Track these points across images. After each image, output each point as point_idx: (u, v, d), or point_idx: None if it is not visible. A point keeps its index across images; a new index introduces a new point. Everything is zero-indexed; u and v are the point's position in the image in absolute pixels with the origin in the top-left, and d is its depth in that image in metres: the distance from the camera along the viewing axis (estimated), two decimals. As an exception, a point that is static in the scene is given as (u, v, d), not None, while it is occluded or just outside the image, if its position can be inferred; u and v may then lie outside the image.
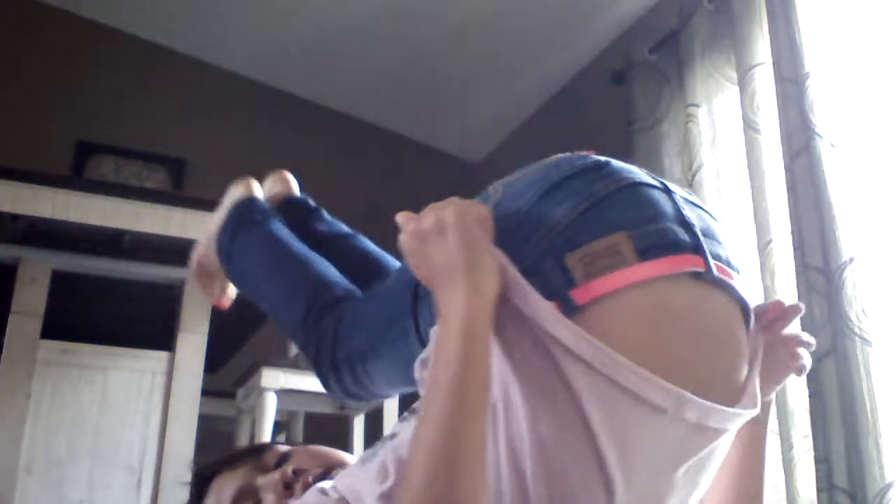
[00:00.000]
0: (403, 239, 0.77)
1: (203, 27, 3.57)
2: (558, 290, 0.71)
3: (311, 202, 1.38)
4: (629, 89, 2.63)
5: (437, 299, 0.73)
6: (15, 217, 1.89)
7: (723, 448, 0.79)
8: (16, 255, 1.98)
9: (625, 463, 0.70)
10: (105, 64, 3.56)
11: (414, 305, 0.85)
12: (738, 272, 0.80)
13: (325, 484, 0.89)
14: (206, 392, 2.15)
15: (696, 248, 0.75)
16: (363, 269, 1.16)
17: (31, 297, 1.97)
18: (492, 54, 3.36)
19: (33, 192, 1.88)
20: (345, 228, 1.32)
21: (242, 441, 2.62)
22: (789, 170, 1.92)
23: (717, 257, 0.77)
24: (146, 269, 2.10)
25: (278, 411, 2.36)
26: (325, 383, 1.03)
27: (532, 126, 3.67)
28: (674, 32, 2.54)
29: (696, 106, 2.36)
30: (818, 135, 1.86)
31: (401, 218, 0.78)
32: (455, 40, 3.32)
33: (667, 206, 0.77)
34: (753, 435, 0.91)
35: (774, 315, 0.90)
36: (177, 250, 2.06)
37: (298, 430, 2.79)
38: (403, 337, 0.87)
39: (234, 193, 1.31)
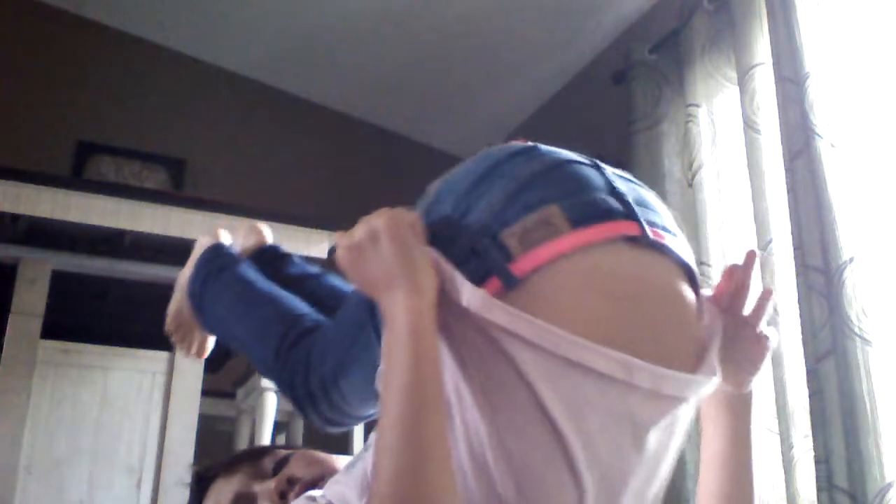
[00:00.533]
0: (339, 255, 0.80)
1: (203, 27, 3.57)
2: (497, 265, 0.72)
3: (282, 249, 1.41)
4: (629, 89, 2.63)
5: (381, 306, 0.75)
6: (15, 217, 1.89)
7: (683, 421, 0.79)
8: (16, 255, 1.98)
9: (583, 439, 0.71)
10: (105, 64, 3.56)
11: (372, 313, 0.86)
12: (676, 235, 0.81)
13: (315, 492, 0.89)
14: (206, 392, 2.15)
15: (629, 215, 0.76)
16: (333, 305, 1.18)
17: (31, 297, 1.97)
18: (492, 54, 3.36)
19: (33, 192, 1.88)
20: (314, 269, 1.34)
21: (242, 441, 2.62)
22: (789, 170, 1.92)
23: (651, 224, 0.78)
24: (146, 269, 2.10)
25: (278, 411, 2.36)
26: (304, 415, 1.03)
27: (532, 126, 3.67)
28: (674, 32, 2.54)
29: (696, 106, 2.36)
30: (818, 135, 1.86)
31: (336, 237, 0.81)
32: (455, 40, 3.32)
33: (597, 179, 0.79)
34: (738, 430, 0.91)
35: (729, 297, 0.90)
36: (177, 250, 2.06)
37: (298, 430, 2.79)
38: (367, 346, 0.88)
39: (202, 243, 1.32)
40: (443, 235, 0.77)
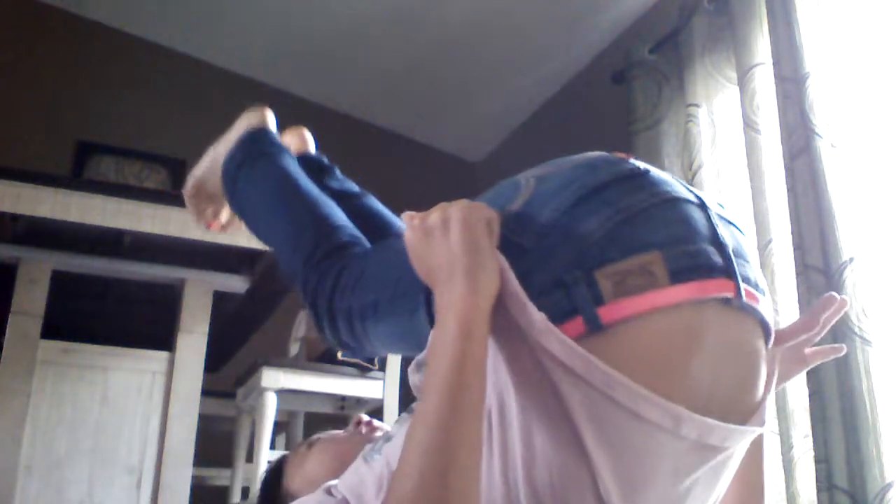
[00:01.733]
0: (407, 234, 0.76)
1: (203, 27, 3.57)
2: (585, 305, 0.68)
3: (326, 160, 1.35)
4: (629, 89, 2.63)
5: (436, 297, 0.72)
6: (15, 217, 1.89)
7: (732, 466, 0.78)
8: (16, 255, 1.98)
9: (621, 478, 0.69)
10: (105, 64, 3.56)
11: (427, 296, 0.83)
12: (765, 294, 0.78)
13: (333, 482, 0.89)
14: (206, 392, 2.15)
15: (728, 272, 0.72)
16: (372, 227, 1.13)
17: (31, 297, 1.97)
18: (492, 54, 3.36)
19: (33, 192, 1.88)
20: (356, 187, 1.29)
21: (242, 441, 2.62)
22: (789, 170, 1.92)
23: (745, 279, 0.74)
24: (146, 269, 2.10)
25: (278, 411, 2.36)
26: (318, 326, 1.00)
27: (532, 126, 3.67)
28: (674, 32, 2.53)
29: (696, 106, 2.36)
30: (818, 135, 1.86)
31: (406, 216, 0.77)
32: (455, 40, 3.32)
33: (702, 224, 0.75)
34: (751, 475, 0.89)
35: (798, 334, 0.89)
36: (177, 250, 2.06)
37: (298, 430, 2.79)
38: (411, 311, 0.85)
39: (248, 119, 1.27)
40: (536, 248, 0.72)
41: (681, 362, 0.70)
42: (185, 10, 3.46)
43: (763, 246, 2.01)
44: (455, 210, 0.73)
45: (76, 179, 3.08)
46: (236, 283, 2.22)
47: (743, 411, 0.75)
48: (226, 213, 1.31)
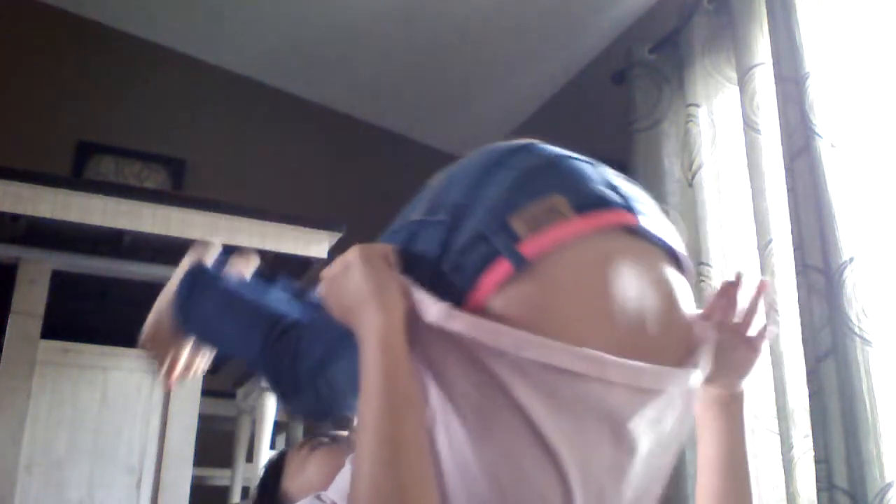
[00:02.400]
0: (319, 288, 0.84)
1: (203, 27, 3.57)
2: (505, 246, 0.75)
3: (271, 278, 1.42)
4: (629, 89, 2.63)
5: (355, 330, 0.78)
6: (15, 217, 1.89)
7: (672, 418, 0.80)
8: (16, 255, 1.98)
9: (564, 438, 0.72)
10: (105, 64, 3.56)
11: None
12: (667, 227, 0.85)
13: (330, 493, 0.90)
14: (206, 392, 2.15)
15: (627, 207, 0.81)
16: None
17: (31, 297, 1.97)
18: (492, 54, 3.36)
19: (33, 192, 1.88)
20: (303, 288, 1.37)
21: (242, 441, 2.62)
22: (789, 170, 1.92)
23: (643, 215, 0.82)
24: (146, 269, 2.10)
25: (278, 411, 2.36)
26: (285, 403, 1.06)
27: (532, 126, 3.67)
28: (674, 32, 2.53)
29: (696, 106, 2.36)
30: (818, 135, 1.86)
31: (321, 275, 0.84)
32: (455, 40, 3.32)
33: (594, 174, 0.83)
34: (732, 432, 0.94)
35: (722, 311, 0.95)
36: (177, 250, 2.06)
37: (298, 430, 2.79)
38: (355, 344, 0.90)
39: (186, 262, 1.36)
40: (450, 223, 0.79)
41: (603, 290, 0.75)
42: (185, 10, 3.46)
43: (763, 246, 2.01)
44: (351, 253, 0.80)
45: (76, 179, 3.08)
46: (236, 283, 2.22)
47: (675, 353, 0.80)
48: (183, 359, 1.37)
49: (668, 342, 0.79)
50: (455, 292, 0.76)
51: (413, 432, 0.71)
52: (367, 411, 0.72)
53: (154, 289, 2.14)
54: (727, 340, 0.94)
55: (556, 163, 0.83)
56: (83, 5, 3.53)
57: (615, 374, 0.73)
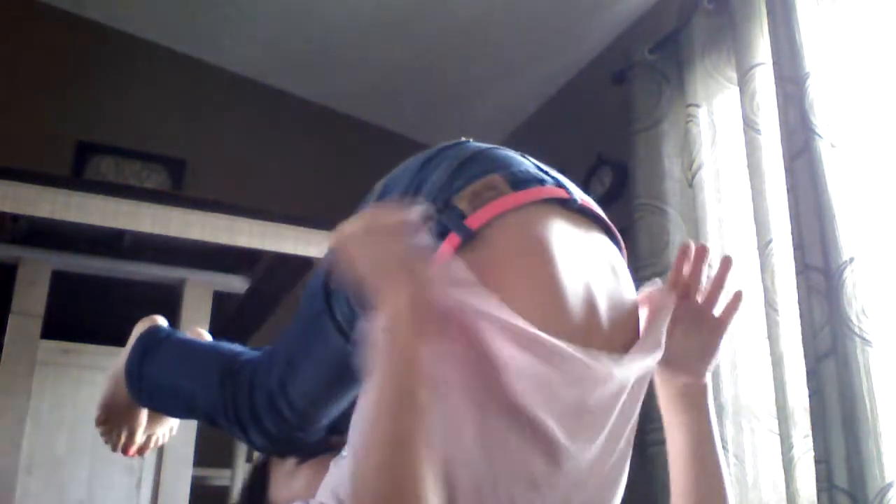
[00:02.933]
0: (343, 240, 0.81)
1: (203, 27, 3.57)
2: (452, 221, 0.80)
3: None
4: (629, 89, 2.63)
5: (382, 295, 0.75)
6: (15, 217, 1.89)
7: (629, 400, 0.83)
8: (16, 255, 1.98)
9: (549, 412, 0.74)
10: (105, 64, 3.56)
11: (327, 300, 0.91)
12: (599, 208, 0.91)
13: (318, 495, 0.89)
14: (206, 392, 2.15)
15: (558, 184, 0.87)
16: None
17: (31, 297, 1.97)
18: (492, 54, 3.36)
19: (33, 192, 1.87)
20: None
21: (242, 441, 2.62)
22: (789, 170, 1.92)
23: (576, 193, 0.88)
24: (146, 269, 2.10)
25: (278, 411, 2.35)
26: (248, 438, 1.03)
27: (532, 126, 3.67)
28: (674, 32, 2.54)
29: (696, 106, 2.36)
30: (818, 135, 1.86)
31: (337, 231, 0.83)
32: (455, 40, 3.32)
33: (525, 161, 0.90)
34: (699, 423, 0.94)
35: (684, 286, 0.97)
36: (177, 250, 2.06)
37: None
38: (320, 335, 0.91)
39: (138, 329, 1.33)
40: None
41: (544, 259, 0.79)
42: (185, 10, 3.46)
43: (763, 246, 2.01)
44: (387, 216, 0.80)
45: (76, 179, 3.07)
46: (236, 283, 2.22)
47: (623, 333, 0.84)
48: (140, 433, 1.35)
49: (617, 320, 0.83)
50: None
51: (417, 429, 0.67)
52: (373, 403, 0.69)
53: (154, 289, 2.14)
54: (690, 320, 0.95)
55: (488, 151, 0.90)
56: (83, 5, 3.53)
57: (571, 367, 0.75)
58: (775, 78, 2.02)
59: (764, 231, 2.02)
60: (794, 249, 1.87)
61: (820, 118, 1.87)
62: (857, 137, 1.86)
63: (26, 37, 3.48)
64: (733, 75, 2.27)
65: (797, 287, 1.85)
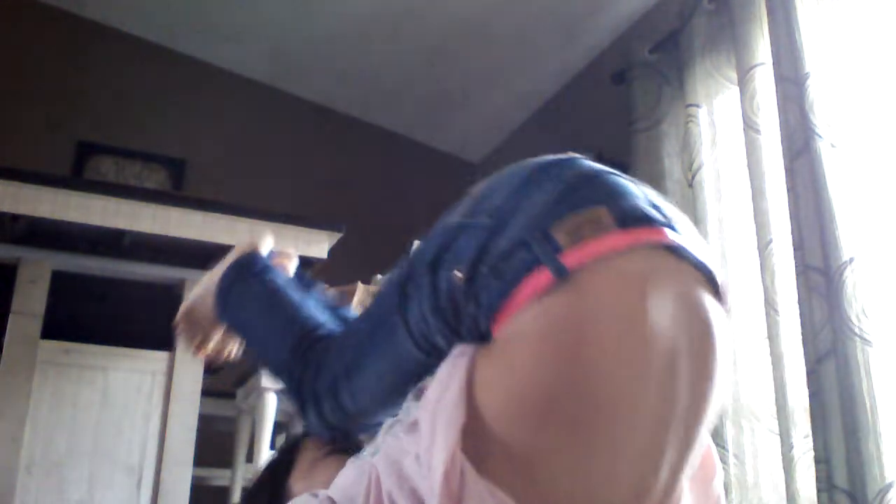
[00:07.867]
0: None
1: (203, 27, 3.57)
2: (547, 255, 0.73)
3: (308, 278, 1.42)
4: (629, 89, 2.63)
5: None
6: (15, 217, 1.89)
7: None
8: (16, 255, 1.98)
9: None
10: (105, 64, 3.56)
11: (402, 302, 0.85)
12: (708, 251, 0.82)
13: (322, 490, 0.89)
14: (206, 392, 2.15)
15: (668, 225, 0.78)
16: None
17: (31, 297, 1.97)
18: (492, 54, 3.36)
19: (33, 192, 1.87)
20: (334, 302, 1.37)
21: (242, 441, 2.62)
22: (789, 170, 1.92)
23: (684, 236, 0.80)
24: (146, 269, 2.10)
25: (278, 411, 2.36)
26: (304, 415, 1.03)
27: (532, 126, 3.67)
28: (674, 32, 2.53)
29: (696, 106, 2.36)
30: (818, 135, 1.86)
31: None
32: (455, 40, 3.32)
33: (637, 191, 0.81)
34: None
35: None
36: (177, 250, 2.06)
37: (298, 430, 2.79)
38: (390, 336, 0.87)
39: (238, 249, 1.34)
40: (491, 227, 0.78)
41: (641, 310, 0.72)
42: (185, 10, 3.46)
43: (763, 246, 2.01)
44: None
45: (76, 179, 3.08)
46: (236, 284, 2.22)
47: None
48: (214, 343, 1.36)
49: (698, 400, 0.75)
50: (491, 295, 0.75)
51: None
52: None
53: (154, 289, 2.14)
54: None
55: (599, 176, 0.81)
56: (83, 5, 3.53)
57: None
58: (775, 78, 2.02)
59: (764, 231, 2.02)
60: (794, 250, 1.87)
61: (820, 118, 1.87)
62: (857, 137, 1.86)
63: (26, 37, 3.48)
64: (733, 75, 2.27)
65: (797, 287, 1.85)
